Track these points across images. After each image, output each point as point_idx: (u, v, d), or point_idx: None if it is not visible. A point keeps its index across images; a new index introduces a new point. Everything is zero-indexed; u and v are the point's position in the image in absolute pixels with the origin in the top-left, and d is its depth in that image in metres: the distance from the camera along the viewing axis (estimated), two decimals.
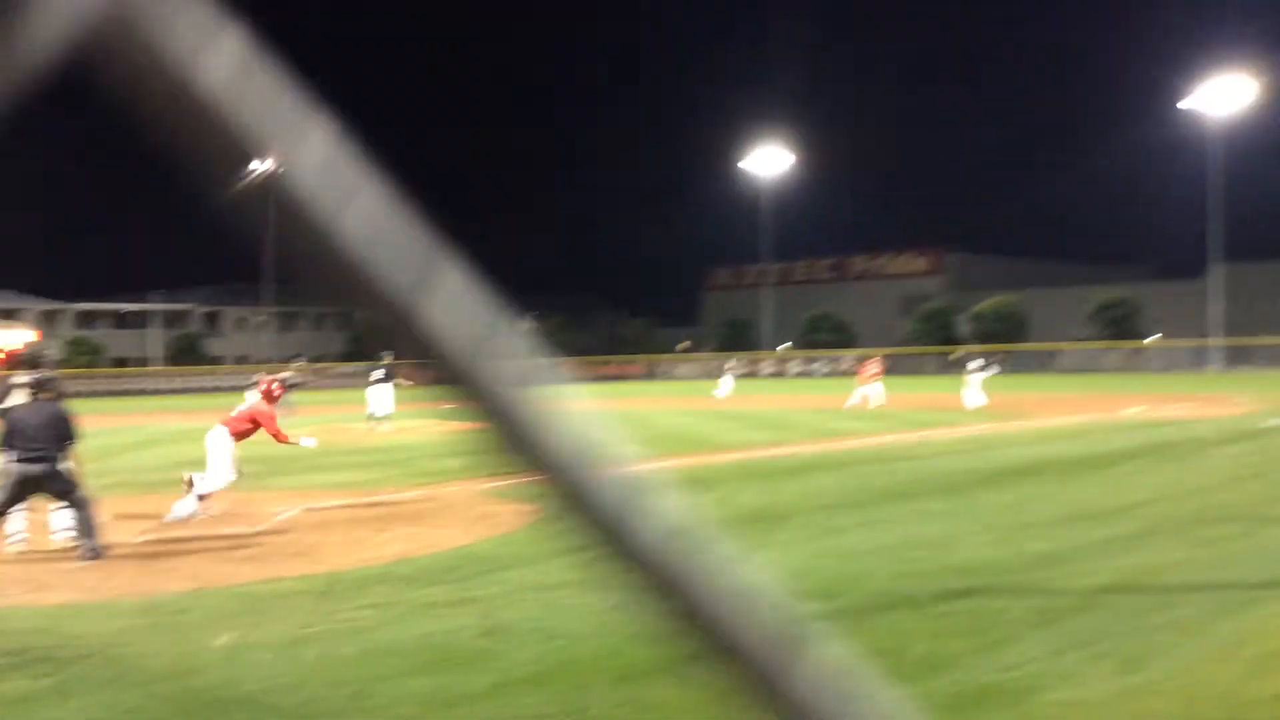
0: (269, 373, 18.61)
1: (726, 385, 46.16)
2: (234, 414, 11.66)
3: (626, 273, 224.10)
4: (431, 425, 27.25)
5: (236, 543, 9.67)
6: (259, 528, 10.43)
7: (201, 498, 10.92)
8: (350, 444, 21.70)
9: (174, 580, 7.93)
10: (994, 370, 31.70)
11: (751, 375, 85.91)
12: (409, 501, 12.30)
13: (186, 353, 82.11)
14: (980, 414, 26.68)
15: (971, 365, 30.45)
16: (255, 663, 5.70)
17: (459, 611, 6.65)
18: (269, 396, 12.74)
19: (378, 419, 24.53)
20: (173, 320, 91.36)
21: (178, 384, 66.18)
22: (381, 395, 24.87)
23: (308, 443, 12.21)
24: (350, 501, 12.23)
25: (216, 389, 63.29)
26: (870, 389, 31.52)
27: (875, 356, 34.94)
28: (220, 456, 11.19)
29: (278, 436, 11.63)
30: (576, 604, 6.73)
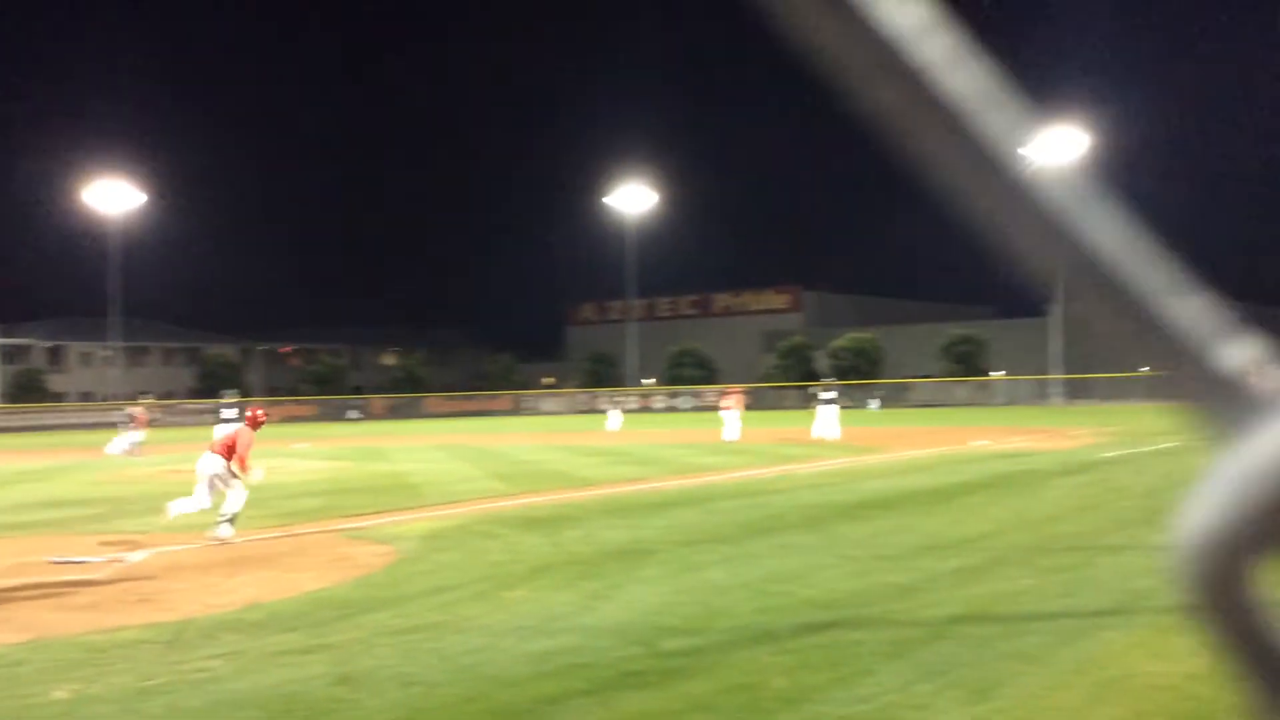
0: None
1: (616, 419, 46.65)
2: (219, 440, 12.89)
3: (490, 308, 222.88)
4: (288, 465, 26.47)
5: (77, 589, 9.19)
6: (102, 573, 9.95)
7: (230, 520, 12.09)
8: None
9: (8, 631, 7.49)
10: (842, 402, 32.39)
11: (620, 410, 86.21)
12: (263, 544, 11.90)
13: (27, 389, 77.98)
14: (838, 447, 27.32)
15: (824, 396, 31.27)
16: (96, 716, 5.42)
17: (313, 659, 6.45)
18: (254, 423, 13.28)
19: None
20: (12, 355, 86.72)
21: (17, 421, 62.70)
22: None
23: (257, 475, 12.58)
24: (200, 545, 11.77)
25: (61, 426, 60.33)
26: (727, 421, 32.12)
27: (732, 391, 35.74)
28: (227, 479, 12.23)
29: (243, 463, 12.31)
30: (436, 649, 6.60)
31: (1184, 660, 5.88)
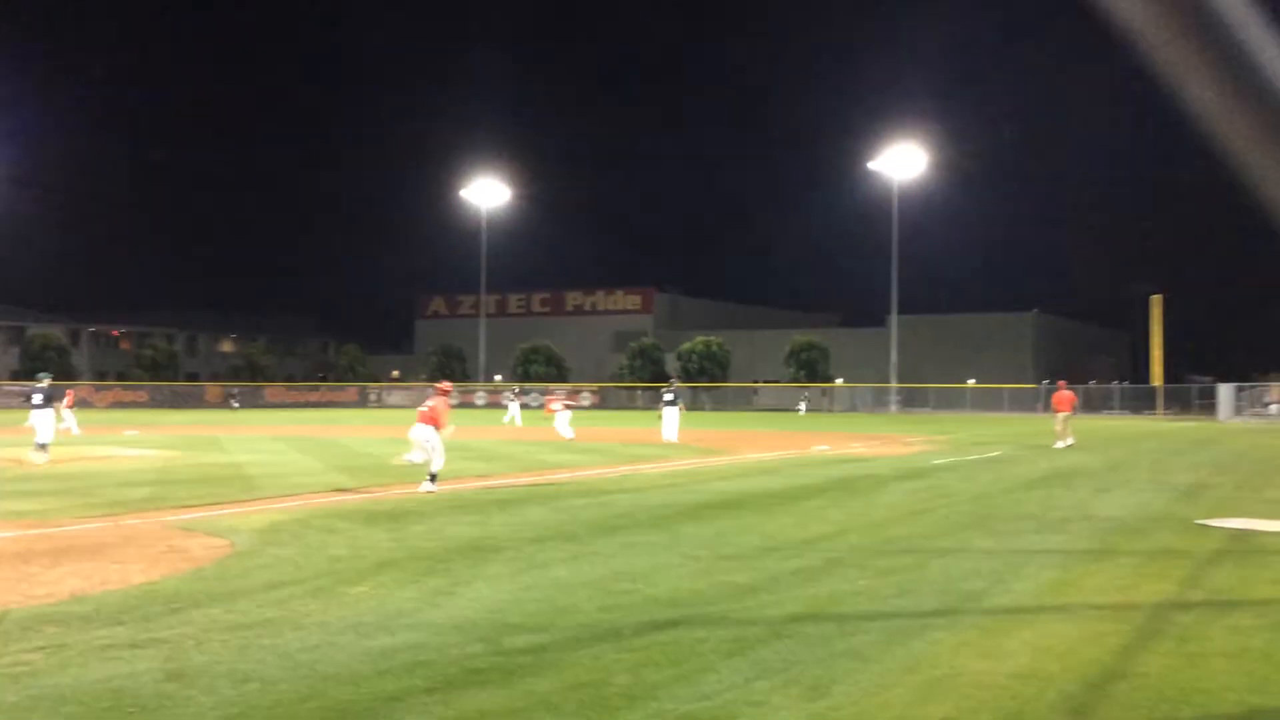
0: None
1: (514, 411, 46.32)
2: (424, 411, 16.29)
3: (338, 298, 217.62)
4: (115, 452, 25.34)
5: None
6: None
7: (433, 477, 15.75)
8: (22, 471, 19.82)
9: None
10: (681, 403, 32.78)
11: (468, 405, 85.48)
12: (88, 533, 11.35)
13: None
14: (685, 449, 27.68)
15: (666, 397, 31.60)
16: None
17: (141, 654, 6.19)
18: (444, 393, 17.08)
19: (39, 447, 21.49)
20: None
21: None
22: (42, 420, 21.85)
23: (449, 431, 16.40)
24: (20, 533, 11.15)
25: None
26: (557, 421, 32.37)
27: (556, 393, 36.16)
28: (433, 442, 15.84)
29: (441, 422, 16.10)
30: (272, 645, 6.42)
31: (1008, 659, 6.18)
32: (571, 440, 30.27)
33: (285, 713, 5.15)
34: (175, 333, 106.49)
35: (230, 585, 8.43)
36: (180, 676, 5.71)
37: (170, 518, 12.76)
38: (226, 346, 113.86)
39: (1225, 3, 0.51)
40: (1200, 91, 0.52)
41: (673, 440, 29.78)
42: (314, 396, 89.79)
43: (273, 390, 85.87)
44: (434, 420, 15.92)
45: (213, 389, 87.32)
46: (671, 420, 30.68)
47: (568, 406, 33.46)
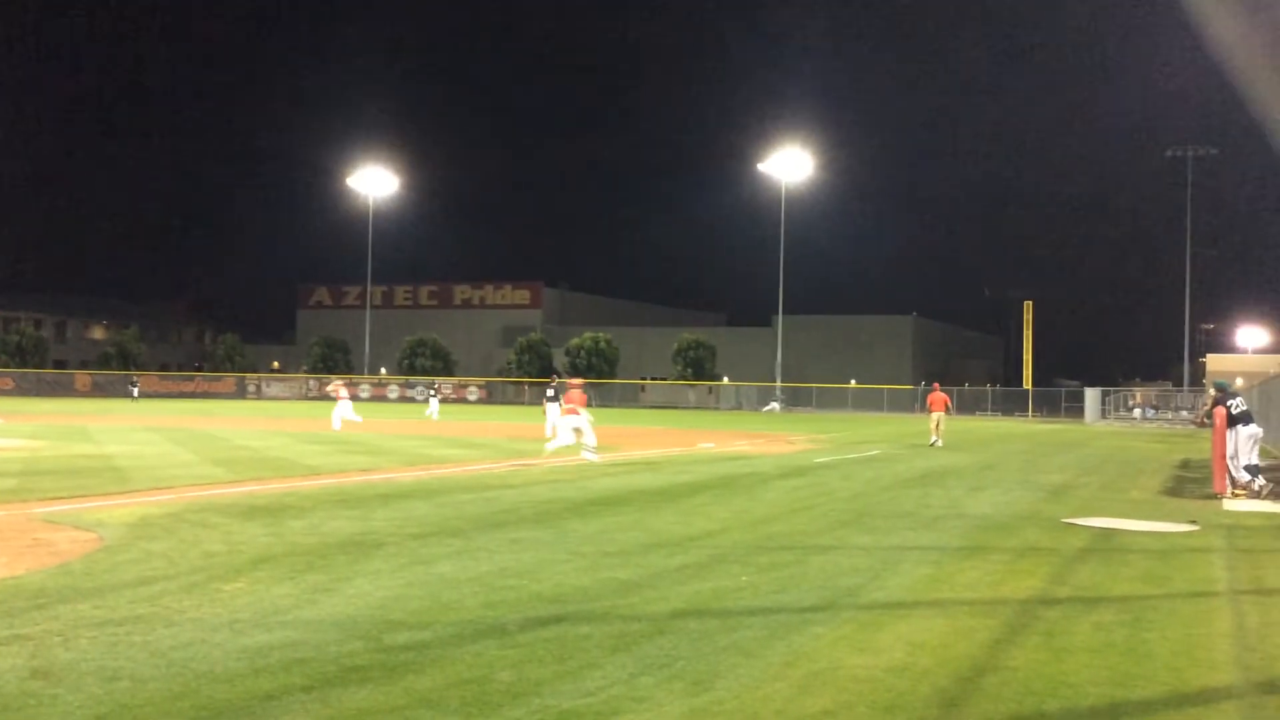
0: None
1: (434, 406, 48.52)
2: (569, 401, 21.74)
3: (216, 286, 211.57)
4: None
5: None
6: None
7: (594, 450, 21.37)
8: None
9: None
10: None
11: (352, 398, 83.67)
12: None
13: None
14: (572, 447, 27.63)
15: (549, 393, 31.69)
16: None
17: (5, 651, 5.93)
18: (577, 386, 22.70)
19: None
20: None
21: None
22: None
23: (585, 415, 21.65)
24: None
25: None
26: (338, 410, 33.46)
27: (335, 382, 37.68)
28: (580, 424, 21.29)
29: (578, 406, 21.63)
30: (143, 642, 6.22)
31: (884, 654, 6.34)
32: (339, 430, 32.56)
33: (156, 711, 4.99)
34: (43, 318, 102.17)
35: (99, 580, 8.13)
36: (46, 674, 5.49)
37: (36, 510, 12.25)
38: (98, 333, 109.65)
39: None
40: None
41: (550, 435, 29.85)
42: (189, 387, 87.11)
43: (146, 379, 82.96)
44: (574, 408, 21.45)
45: (82, 377, 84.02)
46: (555, 416, 30.64)
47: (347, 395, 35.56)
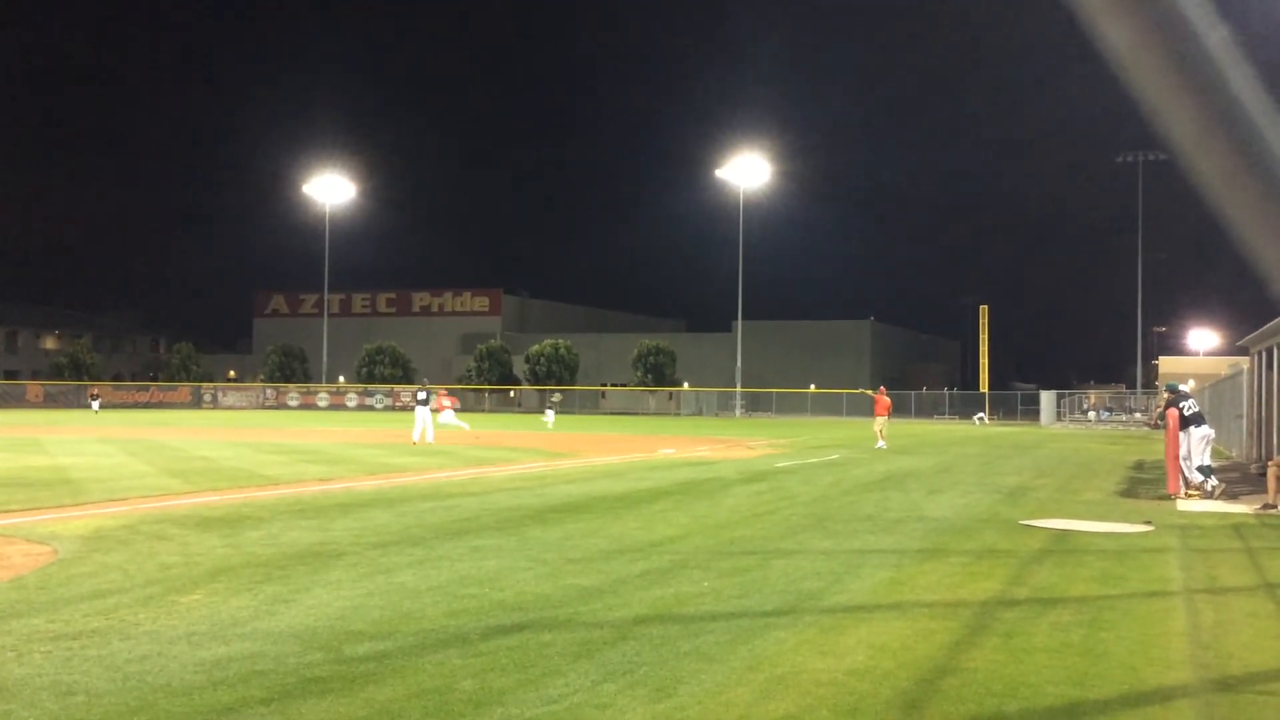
0: None
1: (550, 416, 49.63)
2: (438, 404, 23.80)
3: (170, 294, 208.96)
4: None
5: None
6: None
7: None
8: None
9: None
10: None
11: (310, 407, 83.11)
12: None
13: None
14: (532, 451, 27.57)
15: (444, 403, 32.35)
16: None
17: None
18: (444, 394, 26.35)
19: None
20: None
21: None
22: None
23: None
24: None
25: None
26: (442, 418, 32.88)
27: (439, 391, 36.76)
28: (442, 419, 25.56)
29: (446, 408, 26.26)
30: (99, 656, 6.12)
31: (845, 657, 6.36)
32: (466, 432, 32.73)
33: None
34: None
35: (53, 594, 8.00)
36: None
37: None
38: (50, 343, 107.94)
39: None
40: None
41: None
42: (144, 397, 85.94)
43: (99, 390, 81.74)
44: (447, 408, 25.33)
45: (34, 388, 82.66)
46: (424, 418, 30.53)
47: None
